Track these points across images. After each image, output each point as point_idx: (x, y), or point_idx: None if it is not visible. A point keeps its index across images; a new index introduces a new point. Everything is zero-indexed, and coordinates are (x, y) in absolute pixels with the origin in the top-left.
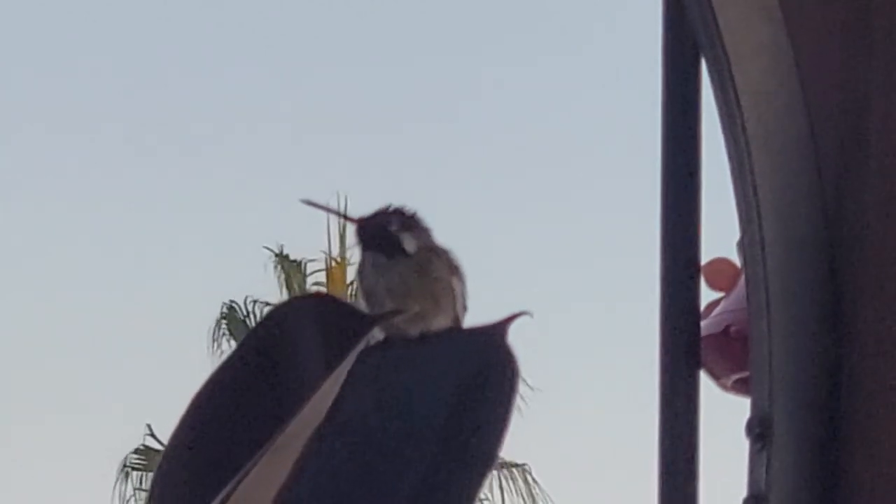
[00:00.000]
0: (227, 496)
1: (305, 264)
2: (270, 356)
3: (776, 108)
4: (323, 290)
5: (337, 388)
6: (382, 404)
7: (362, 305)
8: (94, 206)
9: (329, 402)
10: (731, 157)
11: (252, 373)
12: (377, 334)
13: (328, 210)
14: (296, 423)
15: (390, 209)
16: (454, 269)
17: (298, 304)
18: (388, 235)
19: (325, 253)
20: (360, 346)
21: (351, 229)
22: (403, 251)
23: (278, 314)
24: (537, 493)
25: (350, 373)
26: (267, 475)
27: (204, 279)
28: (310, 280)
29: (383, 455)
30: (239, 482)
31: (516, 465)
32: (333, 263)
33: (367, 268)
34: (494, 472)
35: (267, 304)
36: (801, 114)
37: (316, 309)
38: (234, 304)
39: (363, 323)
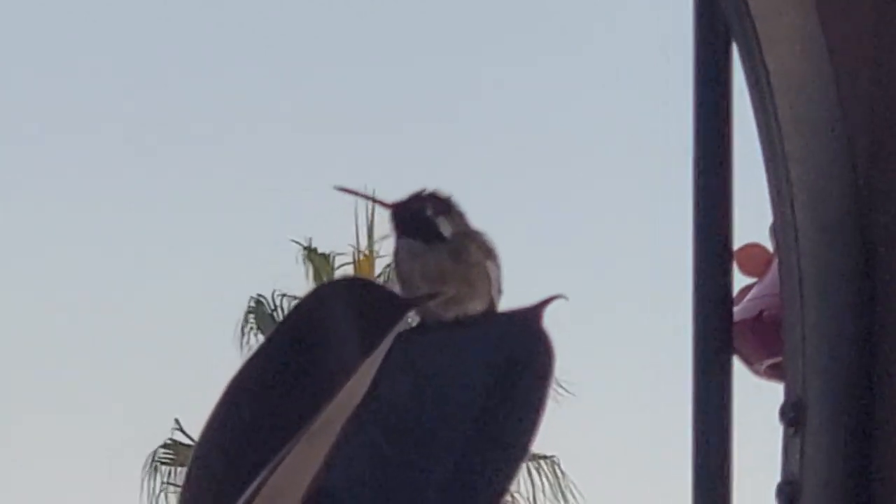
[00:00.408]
0: (263, 482)
1: (334, 257)
2: (306, 341)
3: (808, 93)
4: None
5: (372, 373)
6: (418, 389)
7: (397, 290)
8: (123, 201)
9: (364, 387)
10: (762, 143)
11: (287, 358)
12: (413, 319)
13: (361, 196)
14: (331, 409)
15: (425, 193)
16: (489, 253)
17: (333, 288)
18: (424, 220)
19: (353, 246)
20: (396, 331)
21: (385, 215)
22: (439, 235)
23: (313, 298)
24: (566, 485)
25: (386, 357)
26: (303, 461)
27: (232, 273)
28: (338, 273)
29: (418, 440)
30: (275, 468)
31: (545, 457)
32: (361, 256)
33: (403, 253)
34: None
35: (295, 297)
36: (832, 98)
37: (351, 293)
38: (261, 298)
39: (399, 307)
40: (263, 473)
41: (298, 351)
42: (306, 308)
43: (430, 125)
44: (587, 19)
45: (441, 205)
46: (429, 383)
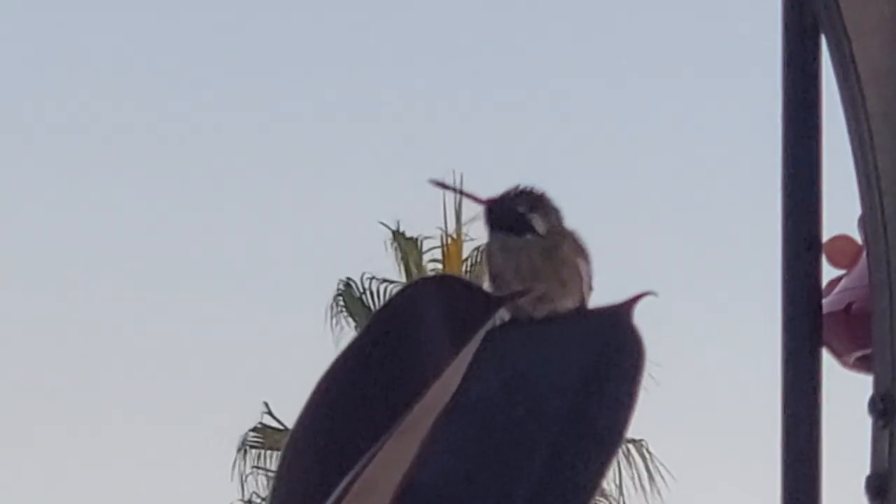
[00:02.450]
0: (355, 478)
1: (422, 241)
2: (397, 337)
3: None
4: (439, 266)
5: (463, 369)
6: (509, 385)
7: (488, 286)
8: (217, 183)
9: (456, 383)
10: (851, 134)
11: (379, 354)
12: (504, 315)
13: (457, 191)
14: (422, 405)
15: (519, 189)
16: (580, 251)
17: (425, 284)
18: (518, 216)
19: (441, 230)
20: (487, 327)
21: (478, 209)
22: (533, 232)
23: (405, 295)
24: (654, 469)
25: (476, 354)
26: (394, 457)
27: (321, 256)
28: (426, 257)
29: (510, 436)
30: (366, 464)
31: (634, 441)
32: (449, 240)
33: (495, 248)
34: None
35: (384, 280)
36: None
37: (442, 290)
38: (350, 281)
39: (490, 304)
40: (355, 469)
41: (390, 346)
42: (398, 304)
43: (525, 119)
44: (674, 11)
45: (535, 201)
46: (520, 379)
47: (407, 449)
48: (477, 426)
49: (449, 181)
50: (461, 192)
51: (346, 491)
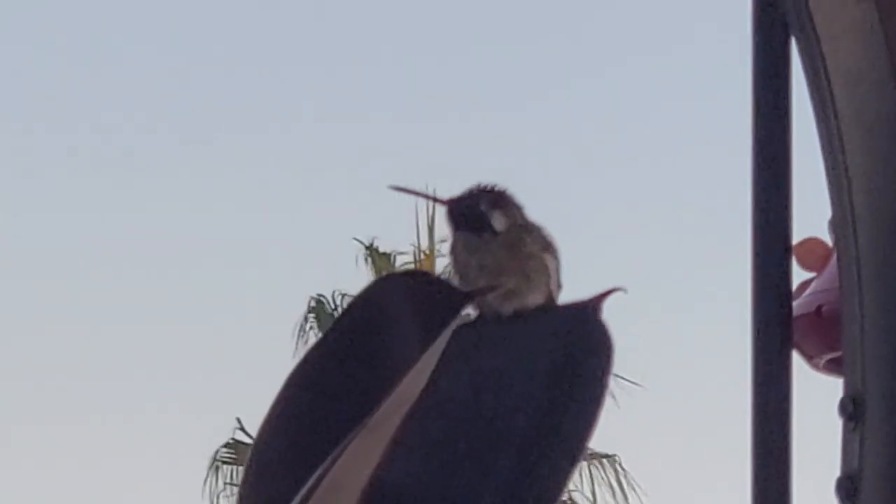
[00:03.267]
0: (322, 476)
1: (395, 257)
2: (365, 334)
3: (867, 88)
4: None
5: (431, 367)
6: (476, 383)
7: (456, 283)
8: (184, 200)
9: (423, 381)
10: (821, 137)
11: (346, 351)
12: (471, 312)
13: (418, 194)
14: (390, 403)
15: (479, 188)
16: (547, 246)
17: (393, 281)
18: (478, 214)
19: (414, 245)
20: (455, 324)
21: (441, 211)
22: (492, 229)
23: (372, 292)
24: (627, 484)
25: (444, 351)
26: (361, 455)
27: (292, 273)
28: None
29: (478, 434)
30: (334, 463)
31: (606, 456)
32: (423, 256)
33: (459, 247)
34: (584, 463)
35: None
36: (891, 93)
37: (410, 286)
38: (322, 298)
39: (457, 300)
40: (323, 467)
41: (357, 344)
42: (365, 301)
43: (490, 122)
44: (642, 13)
45: (495, 199)
46: (487, 376)
47: (374, 447)
48: (445, 424)
49: (413, 187)
50: (423, 195)
51: (312, 490)
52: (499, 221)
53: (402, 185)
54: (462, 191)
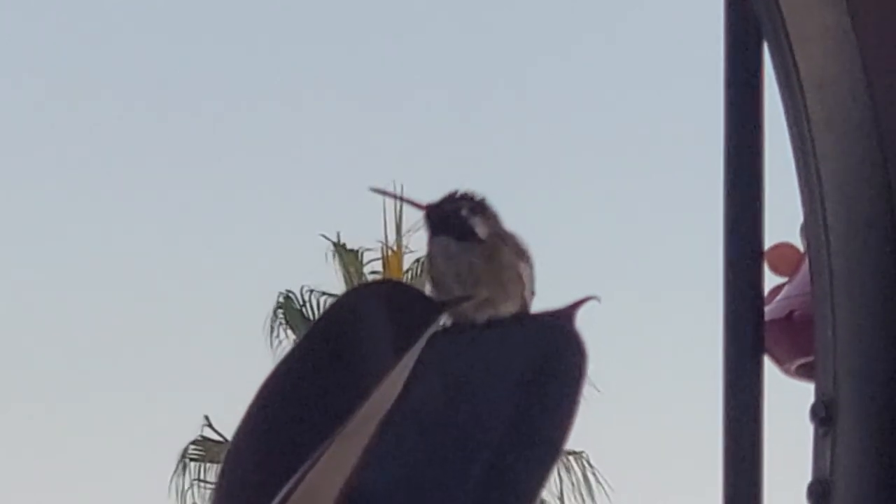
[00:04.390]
0: (298, 483)
1: (362, 253)
2: (339, 342)
3: (839, 92)
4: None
5: (406, 375)
6: (451, 391)
7: (430, 291)
8: (155, 197)
9: (398, 389)
10: (793, 141)
11: (321, 359)
12: (445, 321)
13: (395, 197)
14: (365, 410)
15: (459, 194)
16: (522, 255)
17: (367, 290)
18: (460, 221)
19: (381, 242)
20: (429, 333)
21: (420, 215)
22: (475, 237)
23: (347, 300)
24: (595, 481)
25: (419, 359)
26: (336, 462)
27: (260, 269)
28: (367, 269)
29: (452, 442)
30: (308, 470)
31: (574, 453)
32: (390, 252)
33: (437, 253)
34: None
35: (324, 293)
36: (864, 97)
37: (385, 295)
38: (290, 294)
39: (432, 309)
40: (297, 474)
41: (332, 352)
42: (340, 309)
43: (461, 123)
44: (616, 17)
45: (476, 206)
46: (461, 384)
47: (349, 454)
48: (419, 431)
49: (389, 189)
50: (401, 199)
51: (287, 496)
52: (481, 229)
53: (379, 187)
54: (441, 196)
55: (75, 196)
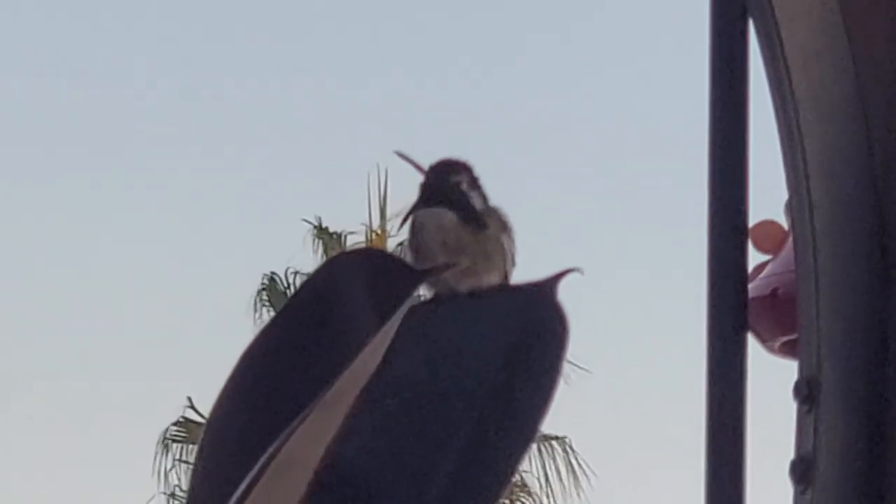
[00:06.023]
0: (276, 452)
1: (345, 237)
2: (319, 311)
3: (824, 69)
4: None
5: (386, 344)
6: (432, 360)
7: (411, 259)
8: (138, 178)
9: (378, 358)
10: (778, 119)
11: (301, 328)
12: (427, 290)
13: (415, 165)
14: (345, 380)
15: (457, 164)
16: (504, 226)
17: (348, 258)
18: (460, 192)
19: (365, 225)
20: (410, 302)
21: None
22: (472, 208)
23: (327, 269)
24: (577, 466)
25: (399, 328)
26: (316, 432)
27: (244, 251)
28: None
29: (433, 412)
30: (287, 439)
31: (556, 438)
32: (374, 236)
33: (428, 223)
34: (534, 445)
35: (308, 275)
36: (849, 74)
37: (364, 263)
38: (274, 276)
39: (413, 278)
40: (275, 444)
41: (311, 321)
42: (320, 278)
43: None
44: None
45: (473, 177)
46: (442, 355)
47: (329, 424)
48: (399, 401)
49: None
50: (418, 167)
51: (266, 465)
52: (477, 201)
53: (403, 152)
54: (441, 165)
55: (54, 180)
